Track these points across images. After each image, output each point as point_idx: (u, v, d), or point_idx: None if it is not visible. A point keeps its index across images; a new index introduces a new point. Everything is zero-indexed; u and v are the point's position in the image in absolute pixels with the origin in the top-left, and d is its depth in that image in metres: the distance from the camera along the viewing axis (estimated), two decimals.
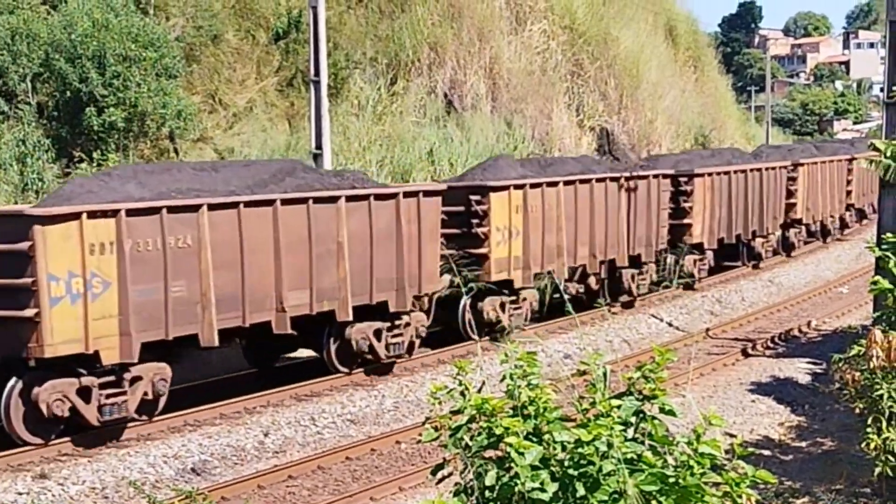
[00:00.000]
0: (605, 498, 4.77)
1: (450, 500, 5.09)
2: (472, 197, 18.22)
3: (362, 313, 15.87)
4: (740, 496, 4.88)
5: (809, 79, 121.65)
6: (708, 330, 21.53)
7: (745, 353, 19.45)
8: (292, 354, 17.41)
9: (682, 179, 24.34)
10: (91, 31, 20.66)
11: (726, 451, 5.01)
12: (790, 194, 29.74)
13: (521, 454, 4.84)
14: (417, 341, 17.06)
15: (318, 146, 19.21)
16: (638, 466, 4.83)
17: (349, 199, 15.42)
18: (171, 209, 13.12)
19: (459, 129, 26.64)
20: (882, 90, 19.39)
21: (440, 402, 5.29)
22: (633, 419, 5.09)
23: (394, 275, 16.26)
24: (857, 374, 11.00)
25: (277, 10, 26.33)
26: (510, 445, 4.88)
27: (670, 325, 22.06)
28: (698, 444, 4.91)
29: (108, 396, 12.81)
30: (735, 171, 26.21)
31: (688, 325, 22.10)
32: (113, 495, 11.94)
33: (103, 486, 12.07)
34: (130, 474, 12.30)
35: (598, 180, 20.93)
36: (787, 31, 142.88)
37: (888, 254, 11.95)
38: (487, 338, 17.86)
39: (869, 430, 10.61)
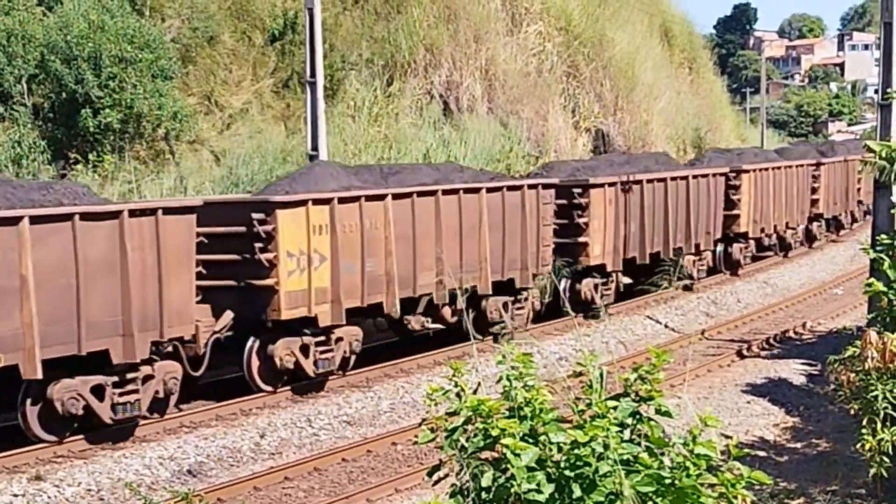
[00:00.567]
0: (602, 499, 4.78)
1: (446, 502, 5.10)
2: (255, 215, 14.61)
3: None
4: (736, 497, 4.90)
5: (804, 80, 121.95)
6: (704, 331, 21.57)
7: (740, 355, 19.49)
8: None
9: (576, 191, 20.83)
10: (87, 32, 20.67)
11: (722, 453, 5.01)
12: (732, 205, 26.33)
13: (518, 455, 4.84)
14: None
15: (315, 148, 19.23)
16: (634, 468, 4.84)
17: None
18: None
19: (456, 131, 26.62)
20: (876, 92, 19.43)
21: (436, 404, 5.31)
22: (629, 420, 5.10)
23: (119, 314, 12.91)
24: (852, 375, 11.02)
25: (273, 12, 26.33)
26: (506, 447, 4.88)
27: (666, 326, 22.09)
28: (694, 445, 4.91)
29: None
30: (648, 181, 22.74)
31: (684, 327, 22.15)
32: (109, 497, 11.94)
33: (99, 488, 12.07)
34: (126, 476, 12.31)
35: (447, 192, 17.47)
36: (781, 33, 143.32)
37: (883, 255, 11.99)
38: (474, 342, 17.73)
39: (864, 431, 10.64)
